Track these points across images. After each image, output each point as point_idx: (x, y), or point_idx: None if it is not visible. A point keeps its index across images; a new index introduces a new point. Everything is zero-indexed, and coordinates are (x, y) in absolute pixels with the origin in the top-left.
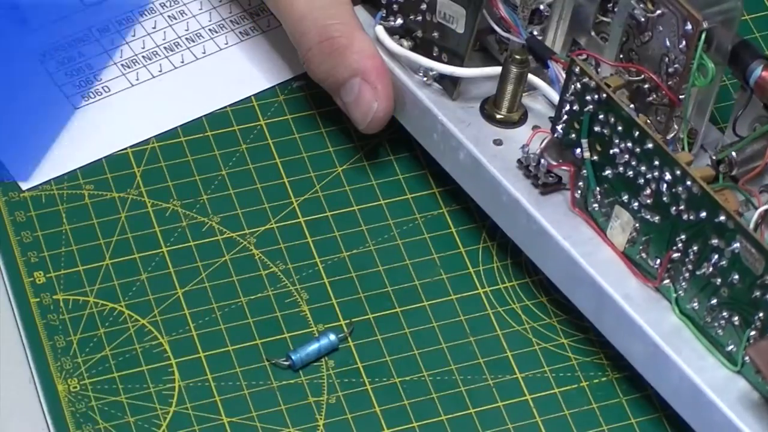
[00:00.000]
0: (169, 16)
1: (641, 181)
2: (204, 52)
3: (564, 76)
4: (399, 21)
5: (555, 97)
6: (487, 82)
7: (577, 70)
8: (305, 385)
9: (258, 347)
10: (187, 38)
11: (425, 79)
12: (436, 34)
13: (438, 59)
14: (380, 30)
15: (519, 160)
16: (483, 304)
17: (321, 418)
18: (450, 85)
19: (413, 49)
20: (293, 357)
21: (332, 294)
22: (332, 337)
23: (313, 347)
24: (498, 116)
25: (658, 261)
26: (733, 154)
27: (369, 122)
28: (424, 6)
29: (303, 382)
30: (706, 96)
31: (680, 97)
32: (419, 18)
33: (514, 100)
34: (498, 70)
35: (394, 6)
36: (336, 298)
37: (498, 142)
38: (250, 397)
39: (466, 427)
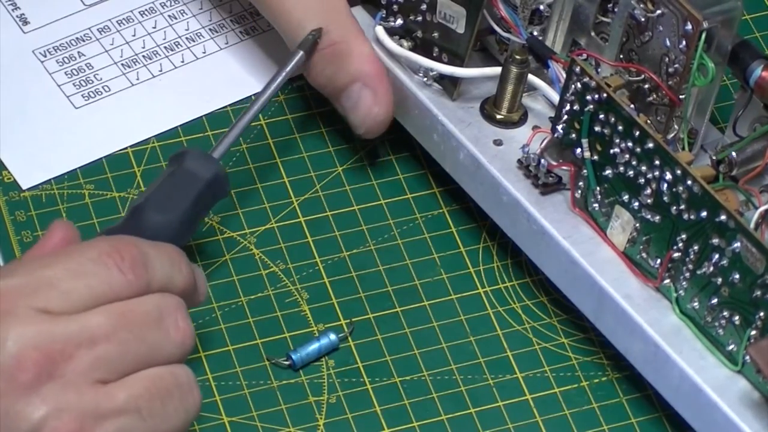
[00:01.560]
0: (169, 16)
1: (642, 180)
2: (204, 52)
3: (564, 75)
4: (399, 21)
5: (555, 97)
6: (487, 82)
7: (577, 69)
8: (305, 385)
9: (258, 347)
10: (187, 38)
11: (425, 79)
12: (436, 34)
13: (438, 59)
14: (380, 30)
15: (519, 160)
16: (483, 304)
17: (321, 418)
18: (450, 86)
19: (413, 49)
20: (293, 356)
21: (332, 294)
22: (332, 336)
23: (314, 347)
24: (498, 116)
25: (659, 261)
26: (733, 154)
27: (368, 127)
28: (424, 6)
29: (303, 381)
30: (707, 96)
31: (680, 97)
32: (419, 18)
33: (515, 100)
34: (498, 70)
35: (394, 6)
36: (336, 298)
37: (498, 143)
38: (251, 396)
39: (466, 426)
